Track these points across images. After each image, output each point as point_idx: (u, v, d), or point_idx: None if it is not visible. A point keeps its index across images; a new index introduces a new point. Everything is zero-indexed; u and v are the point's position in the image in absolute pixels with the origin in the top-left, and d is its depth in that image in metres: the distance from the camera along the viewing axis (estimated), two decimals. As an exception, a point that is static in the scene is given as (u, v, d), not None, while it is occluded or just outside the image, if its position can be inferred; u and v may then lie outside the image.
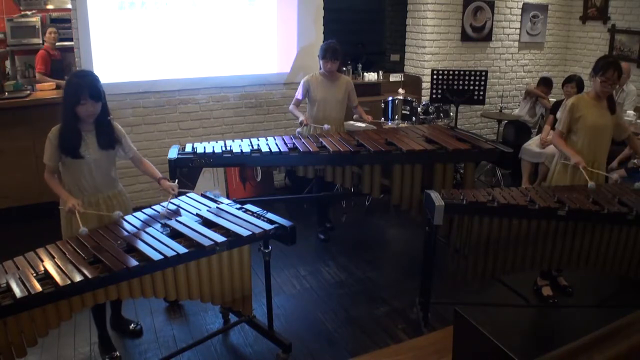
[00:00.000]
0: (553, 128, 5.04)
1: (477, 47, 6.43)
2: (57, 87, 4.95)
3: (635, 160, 4.11)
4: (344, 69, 6.17)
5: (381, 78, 6.34)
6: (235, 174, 5.14)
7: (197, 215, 2.75)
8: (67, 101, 2.60)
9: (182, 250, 2.37)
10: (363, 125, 4.80)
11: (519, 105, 6.27)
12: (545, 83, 5.90)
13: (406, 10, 6.36)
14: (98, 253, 2.30)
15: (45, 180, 2.75)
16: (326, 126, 4.07)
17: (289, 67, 5.32)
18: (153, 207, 2.86)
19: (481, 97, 5.44)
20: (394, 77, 6.42)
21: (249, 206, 2.90)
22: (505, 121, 5.97)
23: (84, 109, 2.58)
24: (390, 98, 5.35)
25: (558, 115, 4.88)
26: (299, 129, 4.33)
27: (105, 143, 2.74)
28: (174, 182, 3.00)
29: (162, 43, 4.77)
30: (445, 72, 5.42)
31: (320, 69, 4.23)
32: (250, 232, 2.56)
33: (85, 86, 2.55)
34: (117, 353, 2.90)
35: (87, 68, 4.42)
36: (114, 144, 2.79)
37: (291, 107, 4.32)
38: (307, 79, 4.24)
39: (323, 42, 5.33)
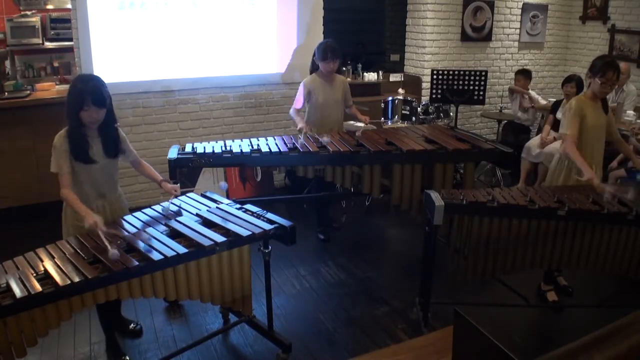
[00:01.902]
0: (553, 128, 5.04)
1: (477, 47, 6.43)
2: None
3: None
4: (344, 69, 6.17)
5: (381, 78, 6.34)
6: (235, 174, 5.14)
7: (197, 215, 2.75)
8: (71, 106, 2.54)
9: (182, 250, 2.37)
10: (362, 125, 4.79)
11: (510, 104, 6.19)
12: (524, 73, 5.81)
13: (406, 10, 6.36)
14: (98, 253, 2.30)
15: (63, 196, 2.55)
16: (325, 139, 3.74)
17: (301, 67, 5.27)
18: (153, 207, 2.86)
19: (481, 97, 5.44)
20: (394, 77, 6.42)
21: (249, 206, 2.90)
22: (505, 121, 5.96)
23: (87, 115, 2.53)
24: (390, 98, 5.35)
25: (558, 115, 4.88)
26: (300, 137, 4.23)
27: (112, 151, 2.70)
28: (176, 183, 2.98)
29: (162, 43, 4.77)
30: (445, 72, 5.42)
31: (317, 70, 4.12)
32: (250, 232, 2.57)
33: (88, 92, 2.49)
34: (127, 357, 2.88)
35: (87, 68, 4.43)
36: (120, 152, 2.77)
37: (292, 111, 4.18)
38: (307, 82, 4.11)
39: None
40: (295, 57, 5.29)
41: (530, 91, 5.78)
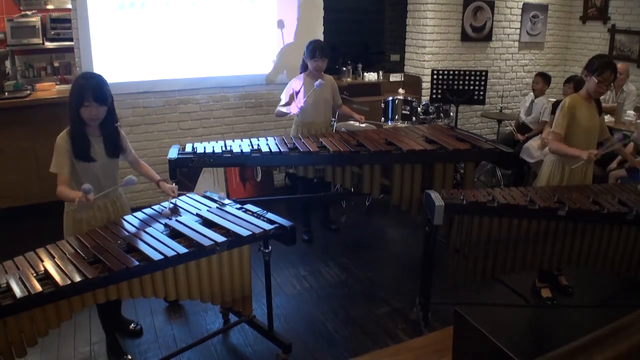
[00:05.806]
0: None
1: (477, 47, 6.43)
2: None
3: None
4: (344, 69, 6.18)
5: (381, 78, 6.34)
6: (235, 174, 5.14)
7: (197, 215, 2.75)
8: (72, 103, 2.57)
9: (182, 250, 2.37)
10: (363, 125, 4.79)
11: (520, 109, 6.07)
12: (544, 77, 5.59)
13: (406, 10, 6.36)
14: (98, 253, 2.30)
15: (58, 195, 2.55)
16: (318, 83, 3.93)
17: (289, 68, 5.30)
18: (153, 207, 2.86)
19: (481, 97, 5.44)
20: (394, 77, 6.42)
21: (249, 206, 2.90)
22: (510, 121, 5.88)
23: (87, 111, 2.56)
24: (390, 98, 5.35)
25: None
26: (292, 130, 4.28)
27: (113, 151, 2.72)
28: (174, 183, 3.00)
29: (162, 43, 4.77)
30: (445, 72, 5.41)
31: (306, 70, 4.15)
32: (250, 232, 2.57)
33: (89, 88, 2.52)
34: (129, 356, 2.88)
35: (87, 68, 4.43)
36: (120, 152, 2.78)
37: (277, 110, 4.21)
38: (295, 82, 4.16)
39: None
40: (282, 57, 5.26)
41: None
